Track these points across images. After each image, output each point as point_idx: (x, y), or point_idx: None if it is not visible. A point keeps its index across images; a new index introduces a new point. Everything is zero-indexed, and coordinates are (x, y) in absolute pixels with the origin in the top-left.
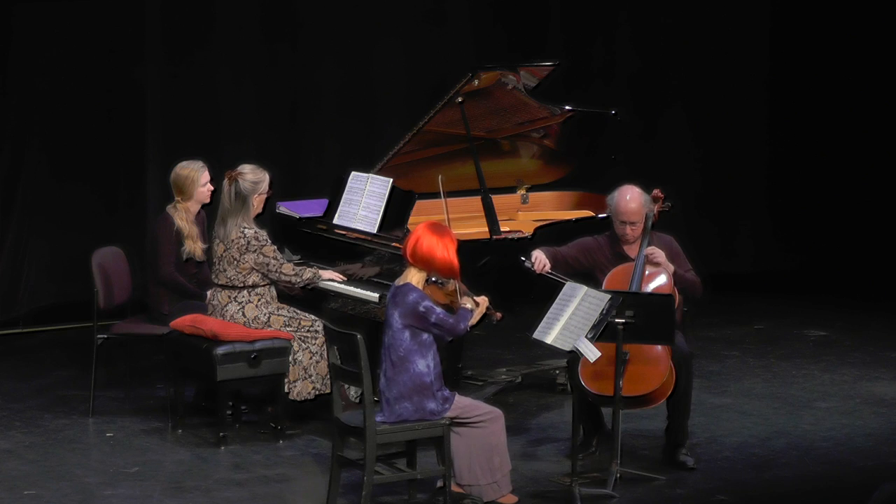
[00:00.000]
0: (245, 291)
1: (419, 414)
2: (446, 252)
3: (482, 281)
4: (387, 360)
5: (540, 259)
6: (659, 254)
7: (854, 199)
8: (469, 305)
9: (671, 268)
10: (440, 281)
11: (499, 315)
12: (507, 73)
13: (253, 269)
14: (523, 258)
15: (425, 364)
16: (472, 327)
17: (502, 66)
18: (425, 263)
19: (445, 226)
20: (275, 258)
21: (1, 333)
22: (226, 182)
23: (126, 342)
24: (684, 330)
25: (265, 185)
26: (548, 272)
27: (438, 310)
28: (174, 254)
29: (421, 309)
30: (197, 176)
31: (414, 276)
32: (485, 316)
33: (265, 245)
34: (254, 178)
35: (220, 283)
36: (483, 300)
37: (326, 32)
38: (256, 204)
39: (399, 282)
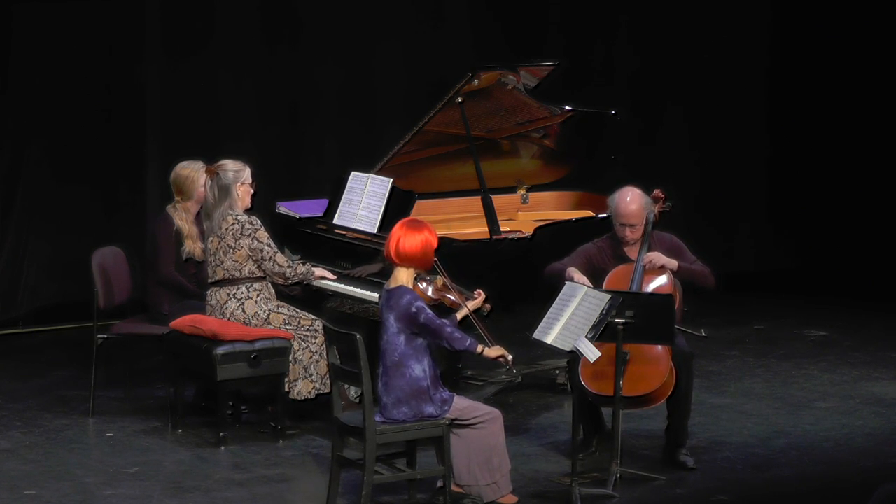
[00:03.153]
0: (244, 288)
1: (417, 418)
2: (427, 245)
3: (482, 281)
4: (382, 363)
5: (582, 280)
6: (656, 258)
7: (854, 200)
8: (461, 303)
9: (674, 263)
10: (428, 277)
11: (488, 307)
12: (507, 73)
13: (248, 258)
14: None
15: (421, 369)
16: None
17: (502, 66)
18: (410, 261)
19: (422, 220)
20: (269, 245)
21: (1, 333)
22: (207, 178)
23: (126, 342)
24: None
25: (246, 175)
26: None
27: (429, 311)
28: (174, 254)
29: (413, 310)
30: (197, 176)
31: (403, 276)
32: (477, 309)
33: (259, 230)
34: (234, 167)
35: (217, 278)
36: (479, 294)
37: (326, 33)
38: (241, 194)
39: (390, 284)
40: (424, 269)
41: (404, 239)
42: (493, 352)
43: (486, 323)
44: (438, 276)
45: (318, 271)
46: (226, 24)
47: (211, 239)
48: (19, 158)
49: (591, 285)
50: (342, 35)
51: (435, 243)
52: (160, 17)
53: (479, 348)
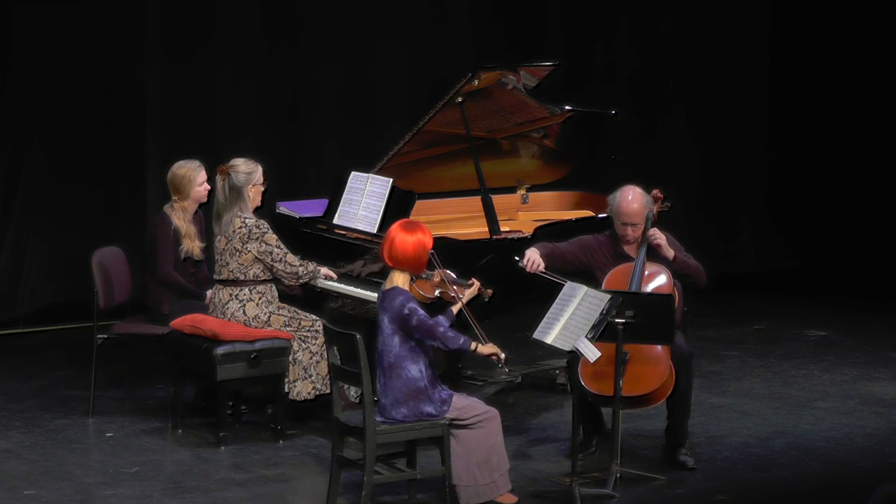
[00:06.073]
0: (247, 289)
1: (416, 418)
2: (419, 248)
3: (483, 279)
4: (380, 365)
5: (532, 259)
6: (660, 235)
7: (854, 200)
8: (459, 297)
9: (671, 252)
10: (424, 275)
11: (489, 292)
12: (507, 73)
13: (255, 261)
14: (517, 258)
15: (417, 369)
16: (469, 303)
17: (502, 66)
18: (402, 263)
19: (417, 222)
20: (278, 246)
21: (1, 333)
22: (218, 178)
23: (126, 342)
24: (684, 330)
25: (258, 176)
26: (541, 272)
27: (421, 312)
28: (172, 253)
29: (405, 311)
30: (193, 175)
31: (399, 278)
32: (476, 296)
33: (267, 233)
34: (246, 168)
35: (222, 277)
36: (473, 282)
37: (327, 32)
38: (252, 195)
39: (386, 286)
40: (418, 272)
41: (397, 242)
42: (487, 349)
43: (483, 324)
44: (436, 272)
45: (324, 270)
46: (226, 24)
47: (219, 238)
48: (19, 158)
49: (541, 263)
50: (342, 35)
51: (429, 245)
52: (160, 17)
53: (473, 345)
